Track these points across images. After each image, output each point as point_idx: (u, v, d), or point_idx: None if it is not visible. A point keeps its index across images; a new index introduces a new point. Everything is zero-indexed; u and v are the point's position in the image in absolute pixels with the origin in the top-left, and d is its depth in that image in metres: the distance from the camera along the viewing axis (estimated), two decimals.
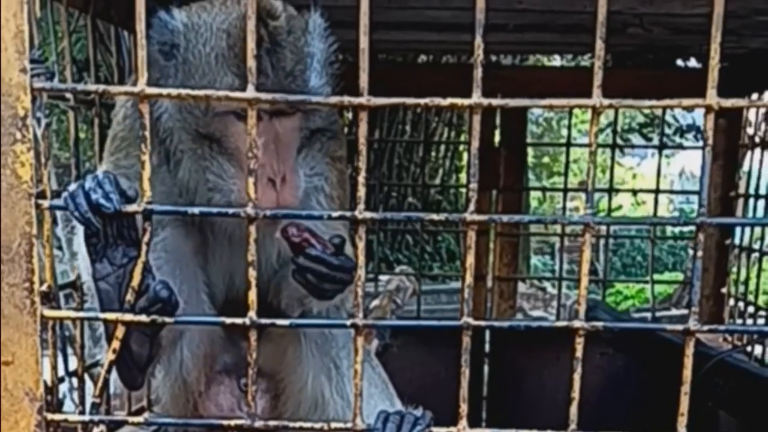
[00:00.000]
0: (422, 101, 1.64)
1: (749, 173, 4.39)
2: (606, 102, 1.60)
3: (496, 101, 1.64)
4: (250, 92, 1.64)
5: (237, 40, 2.27)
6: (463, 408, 1.73)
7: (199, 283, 2.58)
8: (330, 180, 2.60)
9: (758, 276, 4.40)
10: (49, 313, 1.77)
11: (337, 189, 2.63)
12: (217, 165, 2.38)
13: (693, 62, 5.57)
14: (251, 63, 1.64)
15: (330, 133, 2.57)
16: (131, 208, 1.77)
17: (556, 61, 7.42)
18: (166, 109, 2.42)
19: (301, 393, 2.69)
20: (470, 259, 1.70)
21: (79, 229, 2.16)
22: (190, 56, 2.34)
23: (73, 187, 1.88)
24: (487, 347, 4.87)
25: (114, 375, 2.12)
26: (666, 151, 5.11)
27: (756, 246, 4.42)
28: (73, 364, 2.90)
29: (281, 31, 2.30)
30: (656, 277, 5.73)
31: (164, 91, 1.74)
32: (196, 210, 1.85)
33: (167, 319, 1.83)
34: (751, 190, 4.38)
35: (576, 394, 1.71)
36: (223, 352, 2.77)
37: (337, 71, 2.48)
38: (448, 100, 1.63)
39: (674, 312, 10.46)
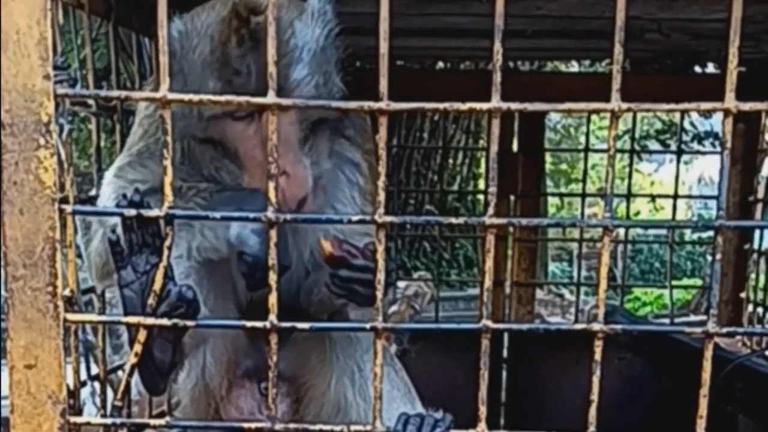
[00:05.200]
0: (441, 105, 1.64)
1: None
2: (625, 106, 1.60)
3: (515, 105, 1.63)
4: (271, 98, 1.65)
5: (218, 45, 2.28)
6: (482, 410, 1.73)
7: (226, 292, 2.59)
8: (362, 172, 2.62)
9: None
10: (72, 317, 1.78)
11: (370, 184, 2.62)
12: (225, 168, 2.41)
13: (711, 68, 5.57)
14: (272, 69, 1.65)
15: (336, 123, 2.55)
16: (153, 212, 1.78)
17: (574, 67, 7.40)
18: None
19: (323, 396, 2.69)
20: (489, 263, 1.70)
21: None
22: (184, 63, 2.34)
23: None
24: (505, 353, 4.87)
25: (135, 380, 2.14)
26: (684, 158, 5.10)
27: None
28: (94, 371, 2.91)
29: (262, 27, 2.20)
30: (674, 282, 5.71)
31: (186, 96, 1.75)
32: (217, 215, 1.86)
33: (188, 322, 1.84)
34: None
35: (595, 396, 1.71)
36: (245, 358, 2.77)
37: (344, 54, 2.45)
38: (468, 105, 1.63)
39: (692, 318, 10.38)
